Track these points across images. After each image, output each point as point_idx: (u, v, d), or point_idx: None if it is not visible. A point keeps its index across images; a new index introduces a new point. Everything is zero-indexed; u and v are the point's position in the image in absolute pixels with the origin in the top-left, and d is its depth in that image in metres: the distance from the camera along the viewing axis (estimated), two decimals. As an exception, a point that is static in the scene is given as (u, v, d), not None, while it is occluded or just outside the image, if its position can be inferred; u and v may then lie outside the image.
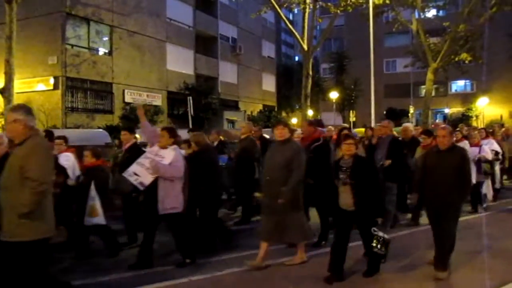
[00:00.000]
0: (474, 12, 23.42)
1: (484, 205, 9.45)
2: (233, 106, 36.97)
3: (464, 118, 39.43)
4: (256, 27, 40.40)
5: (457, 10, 25.62)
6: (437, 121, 12.16)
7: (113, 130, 18.32)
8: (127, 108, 24.93)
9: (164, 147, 6.15)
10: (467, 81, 46.13)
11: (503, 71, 40.58)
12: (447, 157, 5.44)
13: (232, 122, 32.54)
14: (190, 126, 19.35)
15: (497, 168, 10.67)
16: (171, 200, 6.01)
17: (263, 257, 5.86)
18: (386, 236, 5.29)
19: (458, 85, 48.74)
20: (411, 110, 39.70)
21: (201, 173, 6.72)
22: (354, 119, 37.17)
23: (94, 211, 6.44)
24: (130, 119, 23.47)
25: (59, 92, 22.59)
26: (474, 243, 6.99)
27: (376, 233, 5.22)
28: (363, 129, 15.82)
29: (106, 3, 24.99)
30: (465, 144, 9.61)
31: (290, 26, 24.34)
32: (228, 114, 33.25)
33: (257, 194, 6.17)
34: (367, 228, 5.28)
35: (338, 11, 23.76)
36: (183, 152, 7.08)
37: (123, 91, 25.99)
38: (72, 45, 23.54)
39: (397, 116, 40.90)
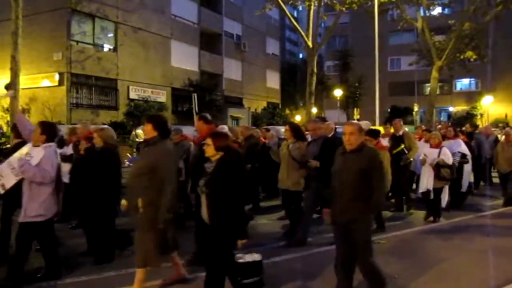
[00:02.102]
0: (479, 10, 23.36)
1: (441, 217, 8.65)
2: (237, 103, 37.00)
3: (469, 117, 39.36)
4: (261, 24, 40.37)
5: (463, 8, 25.51)
6: (395, 120, 10.38)
7: (117, 127, 18.37)
8: (132, 104, 25.01)
9: (37, 145, 5.19)
10: (472, 79, 45.99)
11: (508, 70, 40.46)
12: (352, 159, 4.37)
13: (236, 119, 32.57)
14: (195, 122, 19.38)
15: (467, 170, 9.79)
16: (37, 206, 5.06)
17: (141, 279, 4.73)
18: (256, 256, 4.23)
19: (463, 83, 48.60)
20: (416, 108, 39.62)
21: (99, 174, 5.84)
22: (358, 116, 37.12)
23: None
24: (135, 116, 23.58)
25: (64, 88, 22.69)
26: (479, 241, 7.07)
27: (240, 260, 4.12)
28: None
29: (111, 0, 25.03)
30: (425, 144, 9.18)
31: (295, 23, 24.30)
32: (232, 111, 33.29)
33: (122, 202, 4.95)
34: (221, 251, 4.13)
35: (344, 9, 23.72)
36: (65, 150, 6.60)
37: (128, 87, 26.06)
38: (77, 41, 23.61)
39: (401, 114, 40.92)
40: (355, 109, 39.52)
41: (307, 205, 6.99)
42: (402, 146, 9.16)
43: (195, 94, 21.63)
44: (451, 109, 47.37)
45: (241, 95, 38.06)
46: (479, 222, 8.64)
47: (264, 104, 39.56)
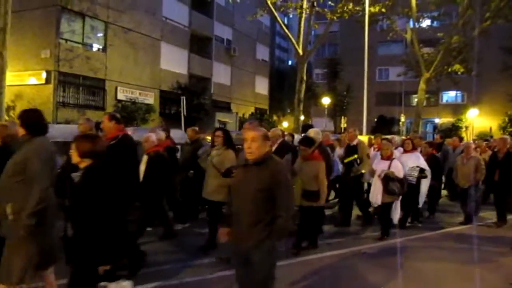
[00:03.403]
0: (468, 24, 23.72)
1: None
2: (225, 107, 36.95)
3: (454, 129, 39.82)
4: (251, 29, 40.46)
5: (451, 21, 25.88)
6: (350, 129, 9.22)
7: (104, 127, 18.14)
8: (119, 105, 24.83)
9: None
10: (458, 92, 46.55)
11: (493, 84, 41.03)
12: (253, 174, 3.58)
13: (223, 123, 32.53)
14: (183, 125, 19.37)
15: (424, 186, 9.12)
16: None
17: None
18: (124, 285, 3.62)
19: (449, 95, 49.16)
20: (402, 119, 39.96)
21: None
22: (345, 125, 37.33)
23: None
24: (122, 117, 23.37)
25: (51, 86, 22.40)
26: (463, 254, 7.12)
27: None
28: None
29: (102, -1, 24.87)
30: (377, 155, 8.67)
31: (287, 31, 24.39)
32: (220, 115, 33.28)
33: None
34: (81, 276, 3.48)
35: (335, 18, 23.88)
36: None
37: (116, 88, 25.85)
38: (66, 40, 23.36)
39: (388, 124, 41.29)
40: (343, 117, 39.74)
41: None
42: (355, 156, 8.80)
43: (184, 97, 21.58)
44: (437, 120, 47.85)
45: (229, 99, 38.02)
46: (451, 237, 8.57)
47: (252, 109, 39.60)
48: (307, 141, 6.94)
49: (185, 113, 21.03)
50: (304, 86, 23.92)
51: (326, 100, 41.67)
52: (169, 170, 7.21)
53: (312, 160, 6.79)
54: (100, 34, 25.54)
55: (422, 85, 24.76)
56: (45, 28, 22.56)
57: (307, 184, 6.70)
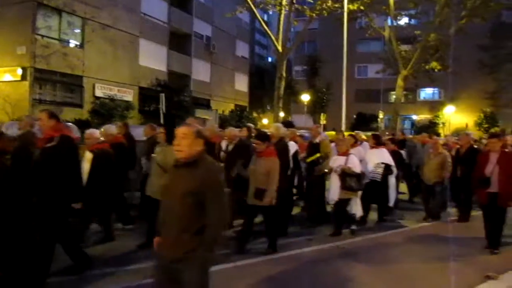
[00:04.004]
0: (444, 23, 24.09)
1: (353, 227, 8.02)
2: (205, 104, 36.79)
3: (431, 125, 40.40)
4: (231, 26, 40.33)
5: (429, 20, 26.23)
6: (313, 125, 9.02)
7: (82, 125, 17.95)
8: (97, 102, 24.54)
9: None
10: (435, 89, 47.22)
11: (470, 81, 41.70)
12: (182, 176, 3.19)
13: (203, 120, 32.37)
14: (162, 122, 19.23)
15: (392, 182, 8.92)
16: None
17: None
18: None
19: (427, 92, 49.83)
20: (381, 116, 40.38)
21: None
22: (325, 122, 37.51)
23: None
24: (100, 114, 23.14)
25: (26, 83, 22.01)
26: (439, 249, 7.24)
27: None
28: (333, 132, 16.03)
29: (79, -5, 24.50)
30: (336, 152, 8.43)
31: (266, 28, 24.41)
32: (200, 113, 33.06)
33: None
34: None
35: (314, 15, 23.97)
36: None
37: (94, 85, 25.52)
38: (42, 36, 22.96)
39: (367, 121, 41.67)
40: (322, 114, 39.89)
41: None
42: (318, 154, 8.50)
43: (163, 94, 21.45)
44: (414, 117, 48.47)
45: (209, 96, 37.90)
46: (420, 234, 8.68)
47: (232, 106, 39.52)
48: (260, 137, 6.69)
49: (164, 110, 20.89)
50: (283, 83, 23.97)
51: (305, 97, 41.81)
52: (114, 167, 6.87)
53: (265, 157, 6.48)
54: (78, 30, 25.18)
55: (400, 82, 25.08)
56: (20, 24, 22.14)
57: (258, 181, 6.43)
